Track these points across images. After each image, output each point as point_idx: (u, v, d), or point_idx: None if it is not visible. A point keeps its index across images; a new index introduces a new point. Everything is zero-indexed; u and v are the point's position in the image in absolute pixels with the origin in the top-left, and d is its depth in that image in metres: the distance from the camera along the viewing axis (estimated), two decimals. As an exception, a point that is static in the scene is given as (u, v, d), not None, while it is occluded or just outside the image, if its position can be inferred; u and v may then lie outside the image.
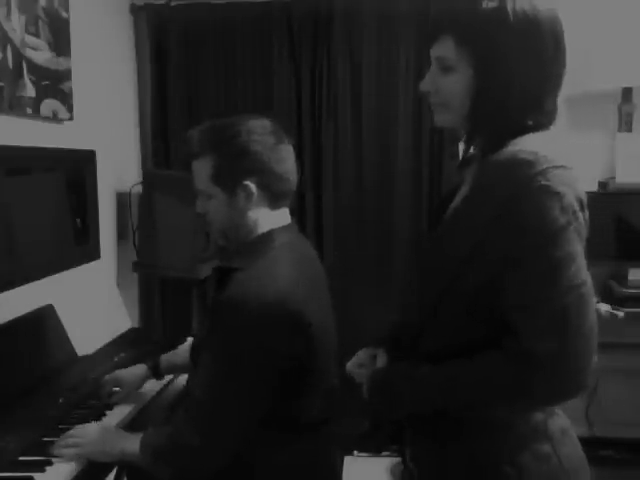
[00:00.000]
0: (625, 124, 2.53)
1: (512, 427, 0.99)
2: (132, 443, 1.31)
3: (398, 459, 2.64)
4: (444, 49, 0.97)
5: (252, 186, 1.31)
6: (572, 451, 1.03)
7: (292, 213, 1.45)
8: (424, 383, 1.01)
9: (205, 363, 1.28)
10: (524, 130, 0.97)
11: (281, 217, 1.39)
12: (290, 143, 1.39)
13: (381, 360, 1.11)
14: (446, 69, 0.98)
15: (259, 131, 1.33)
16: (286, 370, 1.25)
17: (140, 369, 1.68)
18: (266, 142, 1.33)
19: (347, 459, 2.75)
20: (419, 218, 2.74)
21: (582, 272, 0.90)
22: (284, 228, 1.38)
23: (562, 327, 0.87)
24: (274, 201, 1.36)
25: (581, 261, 0.90)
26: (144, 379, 1.68)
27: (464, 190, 1.04)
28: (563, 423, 1.04)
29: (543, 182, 0.89)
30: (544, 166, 0.90)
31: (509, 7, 0.93)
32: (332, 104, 2.73)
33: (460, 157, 1.12)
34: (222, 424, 1.25)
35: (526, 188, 0.89)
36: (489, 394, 0.95)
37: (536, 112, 0.97)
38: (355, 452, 2.84)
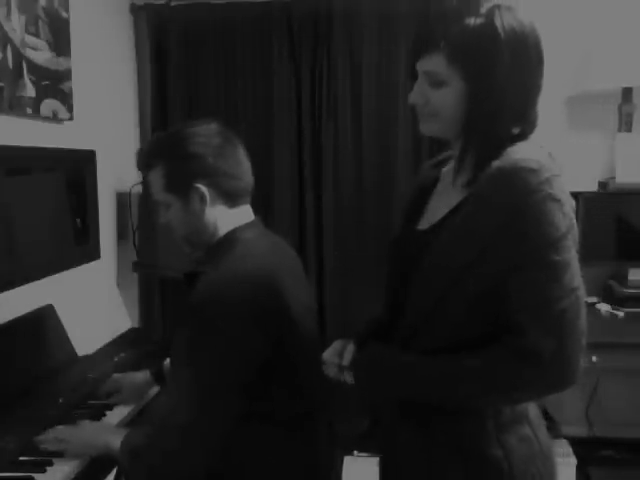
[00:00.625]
0: (625, 124, 2.53)
1: (499, 412, 1.04)
2: (115, 438, 1.29)
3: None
4: (435, 64, 1.00)
5: (203, 188, 1.33)
6: (547, 436, 1.11)
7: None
8: (418, 368, 1.04)
9: (176, 367, 1.28)
10: (512, 139, 1.01)
11: (242, 215, 1.39)
12: (240, 143, 1.40)
13: (348, 353, 1.15)
14: (437, 83, 1.01)
15: (203, 134, 1.35)
16: (259, 363, 1.25)
17: (143, 375, 1.69)
18: (210, 143, 1.34)
19: (347, 459, 2.75)
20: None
21: (577, 276, 0.97)
22: (247, 225, 1.38)
23: (561, 327, 0.94)
24: (230, 200, 1.36)
25: (576, 266, 0.97)
26: (147, 386, 1.68)
27: (456, 194, 1.05)
28: (537, 411, 1.12)
29: (548, 190, 0.94)
30: (548, 174, 0.95)
31: (497, 22, 0.97)
32: (332, 104, 2.73)
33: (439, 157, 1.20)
34: (199, 426, 1.22)
35: (532, 196, 0.93)
36: (489, 385, 0.99)
37: (522, 121, 1.03)
38: (355, 452, 2.84)
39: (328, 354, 1.18)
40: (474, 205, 0.98)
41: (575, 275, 0.96)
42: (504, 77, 0.98)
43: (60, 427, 1.40)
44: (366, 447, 2.84)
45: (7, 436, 1.37)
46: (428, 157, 2.71)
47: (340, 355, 1.16)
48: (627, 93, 2.52)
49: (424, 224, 1.13)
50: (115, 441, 1.29)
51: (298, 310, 1.33)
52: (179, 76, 2.79)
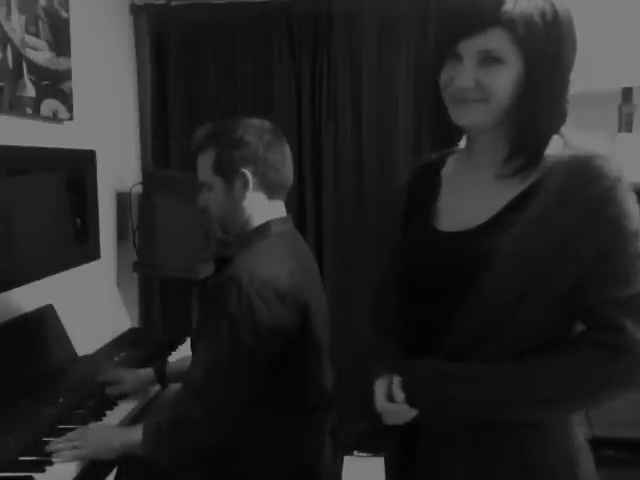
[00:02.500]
0: (625, 124, 2.53)
1: (571, 433, 1.02)
2: (131, 433, 1.35)
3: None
4: (495, 41, 0.92)
5: (248, 174, 1.39)
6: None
7: (291, 212, 1.49)
8: (486, 371, 0.94)
9: (203, 339, 1.33)
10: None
11: (277, 209, 1.46)
12: (287, 144, 1.47)
13: (396, 386, 1.01)
14: (494, 61, 0.93)
15: (257, 126, 1.43)
16: (278, 347, 1.29)
17: (146, 373, 1.70)
18: (262, 136, 1.41)
19: (347, 459, 2.75)
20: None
21: None
22: (281, 220, 1.45)
23: None
24: (270, 191, 1.43)
25: None
26: (148, 383, 1.69)
27: (504, 188, 0.98)
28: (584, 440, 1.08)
29: (624, 180, 0.92)
30: (618, 165, 0.93)
31: (556, 4, 0.93)
32: (332, 104, 2.73)
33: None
34: (221, 395, 1.29)
35: (617, 185, 0.91)
36: (579, 386, 0.93)
37: (562, 111, 0.98)
38: (355, 452, 2.84)
39: (380, 402, 1.02)
40: (551, 198, 0.92)
41: None
42: (561, 62, 0.95)
43: (70, 434, 1.39)
44: (366, 447, 2.84)
45: (7, 436, 1.37)
46: (428, 156, 2.71)
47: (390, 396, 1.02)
48: (627, 93, 2.52)
49: (447, 225, 1.04)
50: (130, 436, 1.34)
51: (315, 307, 1.38)
52: (179, 76, 2.79)
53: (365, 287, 2.79)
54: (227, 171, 1.40)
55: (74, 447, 1.35)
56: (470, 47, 0.94)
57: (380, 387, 1.03)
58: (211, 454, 1.36)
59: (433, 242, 1.04)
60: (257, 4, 2.71)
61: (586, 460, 1.03)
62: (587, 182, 0.91)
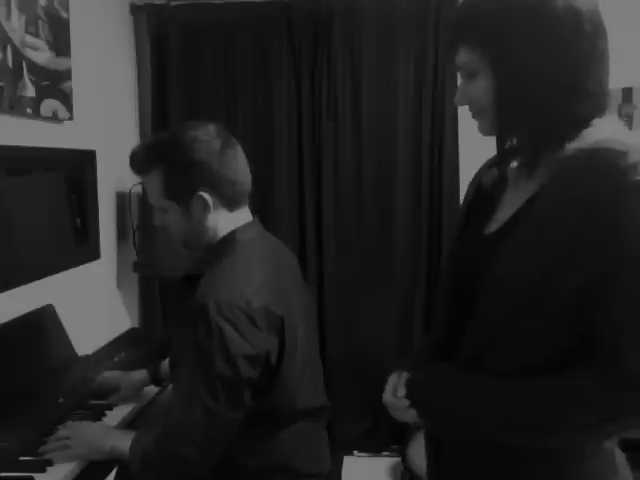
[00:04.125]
0: (625, 124, 2.53)
1: (583, 459, 0.89)
2: (123, 441, 1.30)
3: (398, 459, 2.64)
4: (464, 57, 0.93)
5: (206, 196, 1.30)
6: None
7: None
8: (490, 388, 0.89)
9: (181, 368, 1.27)
10: (583, 119, 0.89)
11: (242, 216, 1.38)
12: (238, 144, 1.37)
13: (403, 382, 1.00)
14: (470, 75, 0.94)
15: (204, 138, 1.31)
16: (259, 371, 1.24)
17: (140, 374, 1.68)
18: (212, 149, 1.30)
19: (347, 459, 2.75)
20: (419, 218, 2.75)
21: None
22: (247, 226, 1.38)
23: None
24: (231, 204, 1.35)
25: None
26: (143, 384, 1.68)
27: (522, 190, 0.93)
28: (621, 453, 0.95)
29: (637, 177, 0.80)
30: (637, 158, 0.81)
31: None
32: (332, 104, 2.73)
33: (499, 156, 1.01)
34: (205, 429, 1.22)
35: (621, 183, 0.80)
36: (581, 414, 0.84)
37: (577, 95, 0.88)
38: (355, 452, 2.84)
39: (386, 394, 1.01)
40: (551, 196, 0.84)
41: None
42: (524, 51, 0.87)
43: (61, 432, 1.38)
44: (366, 447, 2.84)
45: (7, 436, 1.37)
46: (428, 157, 2.72)
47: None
48: (627, 93, 2.52)
49: (492, 228, 0.98)
50: (123, 444, 1.29)
51: (299, 309, 1.34)
52: (179, 76, 2.79)
53: (365, 286, 2.80)
54: (181, 196, 1.31)
55: (65, 445, 1.34)
56: (456, 65, 0.96)
57: (391, 381, 1.02)
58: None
59: (468, 244, 1.01)
60: (257, 4, 2.71)
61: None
62: (586, 177, 0.82)
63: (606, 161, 0.81)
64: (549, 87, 0.88)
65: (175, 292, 2.84)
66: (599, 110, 0.90)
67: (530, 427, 0.86)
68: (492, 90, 0.91)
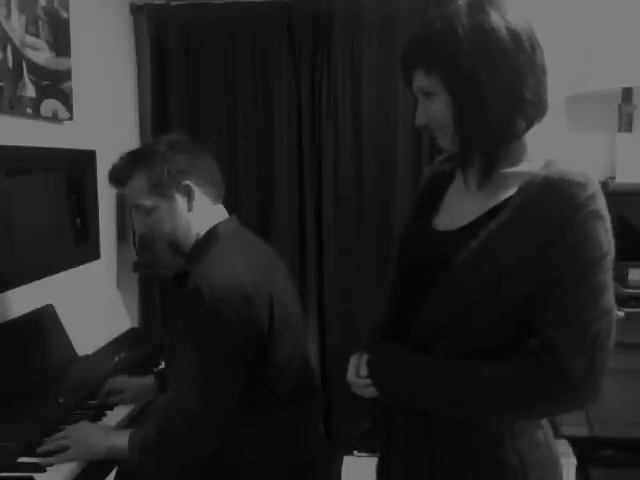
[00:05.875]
0: (625, 124, 2.53)
1: (517, 429, 1.03)
2: (120, 438, 1.32)
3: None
4: (419, 80, 1.02)
5: (191, 184, 1.40)
6: (554, 439, 1.09)
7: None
8: (438, 368, 1.01)
9: (179, 355, 1.31)
10: (526, 123, 0.99)
11: (221, 212, 1.48)
12: (211, 156, 1.49)
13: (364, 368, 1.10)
14: (428, 96, 1.02)
15: (179, 141, 1.45)
16: (254, 346, 1.30)
17: (148, 380, 1.70)
18: (189, 148, 1.44)
19: (347, 459, 2.75)
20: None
21: (612, 297, 0.97)
22: (226, 221, 1.46)
23: (594, 349, 0.94)
24: (212, 195, 1.45)
25: (612, 286, 0.97)
26: (151, 391, 1.69)
27: (481, 198, 1.03)
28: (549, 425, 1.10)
29: (593, 207, 0.93)
30: (594, 189, 0.93)
31: (456, 21, 0.96)
32: (332, 104, 2.73)
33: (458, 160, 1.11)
34: (208, 410, 1.28)
35: (580, 212, 0.92)
36: (510, 397, 0.98)
37: (520, 108, 0.98)
38: (355, 452, 2.84)
39: (350, 374, 1.12)
40: (516, 214, 0.95)
41: (612, 296, 0.96)
42: (474, 71, 0.95)
43: (57, 434, 1.39)
44: (366, 447, 2.84)
45: (7, 436, 1.37)
46: (428, 157, 2.71)
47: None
48: (627, 93, 2.52)
49: (442, 224, 1.09)
50: (119, 441, 1.31)
51: (281, 294, 1.39)
52: (179, 76, 2.78)
53: (364, 286, 2.80)
54: (168, 187, 1.39)
55: (62, 447, 1.34)
56: (414, 88, 1.05)
57: (353, 361, 1.13)
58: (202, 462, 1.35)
59: (421, 235, 1.12)
60: (257, 4, 2.71)
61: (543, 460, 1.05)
62: (549, 206, 0.93)
63: (567, 191, 0.92)
64: (496, 95, 0.96)
65: (175, 291, 2.84)
66: (538, 115, 1.00)
67: (471, 403, 1.00)
68: (449, 106, 1.00)
